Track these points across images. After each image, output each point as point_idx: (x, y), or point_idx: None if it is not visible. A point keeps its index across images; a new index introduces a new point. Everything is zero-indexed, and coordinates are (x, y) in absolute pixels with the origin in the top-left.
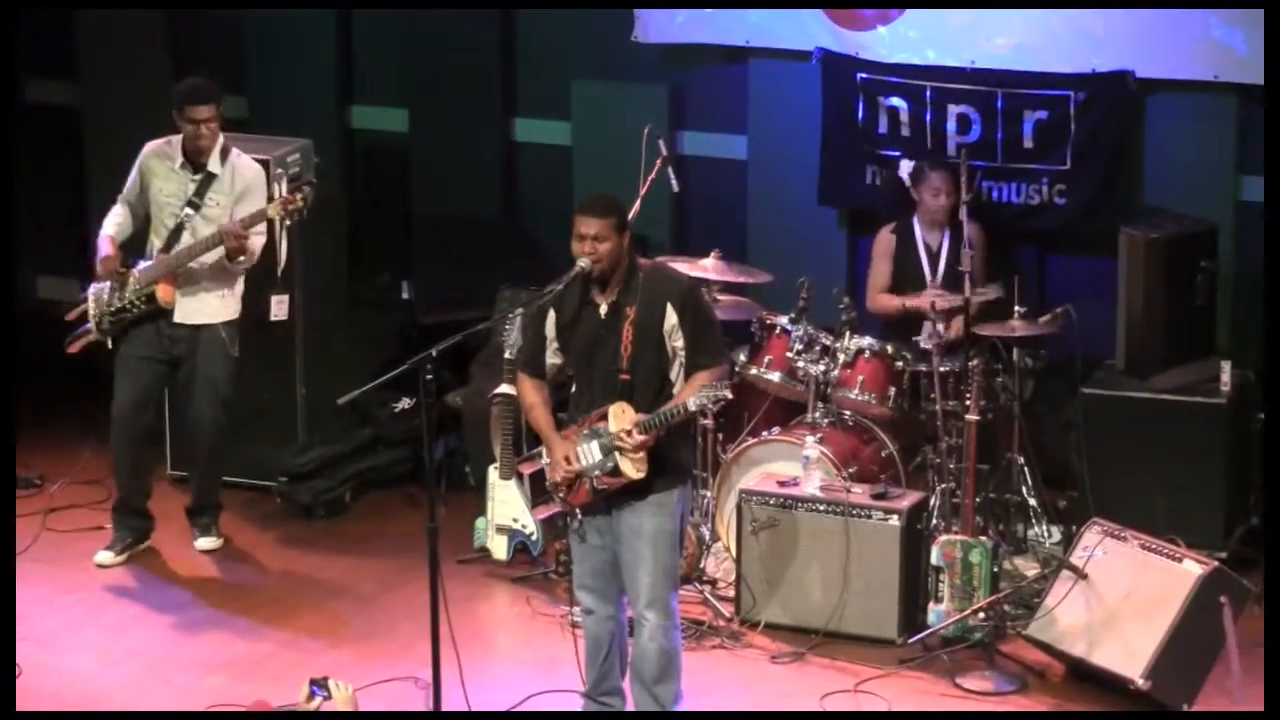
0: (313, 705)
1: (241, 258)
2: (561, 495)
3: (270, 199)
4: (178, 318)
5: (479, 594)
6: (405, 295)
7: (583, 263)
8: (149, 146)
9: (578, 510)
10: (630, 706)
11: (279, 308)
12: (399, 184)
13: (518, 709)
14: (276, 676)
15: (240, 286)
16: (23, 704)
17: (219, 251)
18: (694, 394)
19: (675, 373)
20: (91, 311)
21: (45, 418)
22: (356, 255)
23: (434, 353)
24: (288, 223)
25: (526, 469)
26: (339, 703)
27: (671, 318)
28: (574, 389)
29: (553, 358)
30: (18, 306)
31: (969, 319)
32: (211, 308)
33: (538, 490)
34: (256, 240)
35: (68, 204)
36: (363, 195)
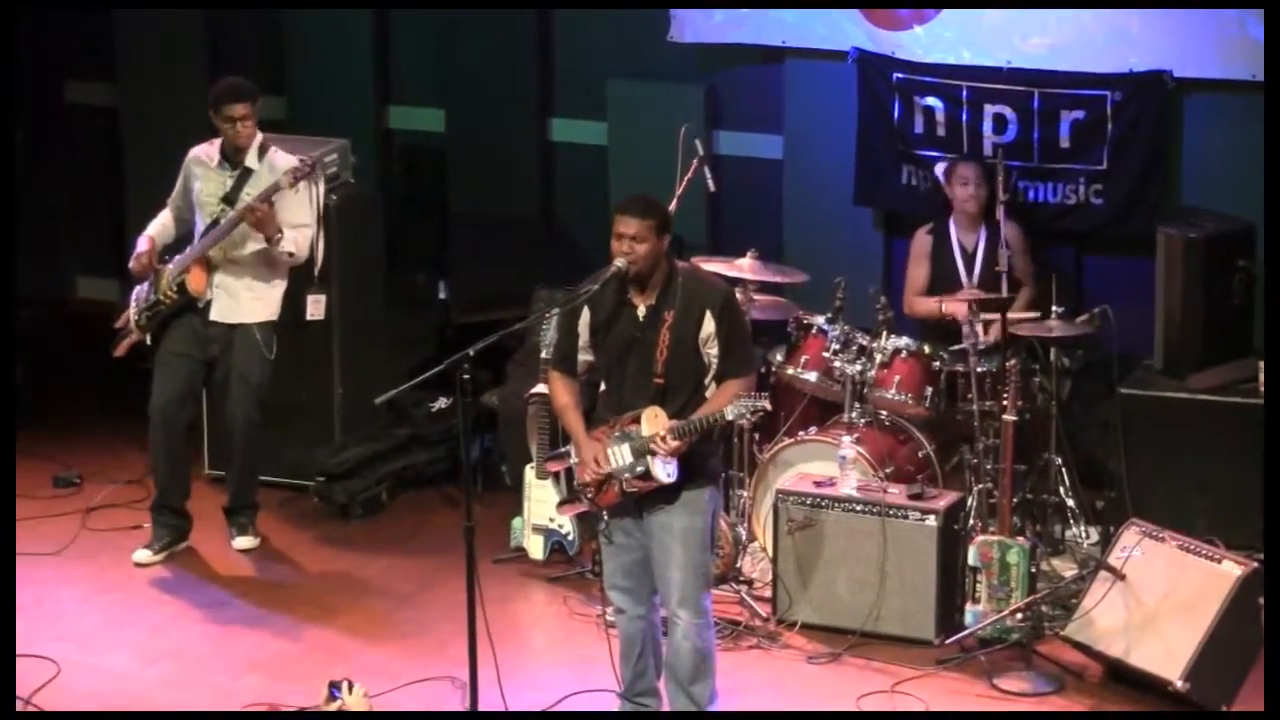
0: (333, 707)
1: (277, 235)
2: (589, 496)
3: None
4: (214, 316)
5: (515, 593)
6: (442, 295)
7: (619, 263)
8: (193, 150)
9: (604, 512)
10: (666, 706)
11: (315, 308)
12: (436, 184)
13: (555, 709)
14: (313, 676)
15: (279, 290)
16: (60, 703)
17: (257, 248)
18: (731, 403)
19: (709, 380)
20: (131, 311)
21: (84, 418)
22: (393, 255)
23: (471, 352)
24: (316, 191)
25: (554, 466)
26: (350, 704)
27: (709, 325)
28: (603, 389)
29: (584, 355)
30: (59, 307)
31: (1006, 319)
32: (248, 308)
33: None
34: (304, 233)
35: (107, 204)
36: (399, 195)
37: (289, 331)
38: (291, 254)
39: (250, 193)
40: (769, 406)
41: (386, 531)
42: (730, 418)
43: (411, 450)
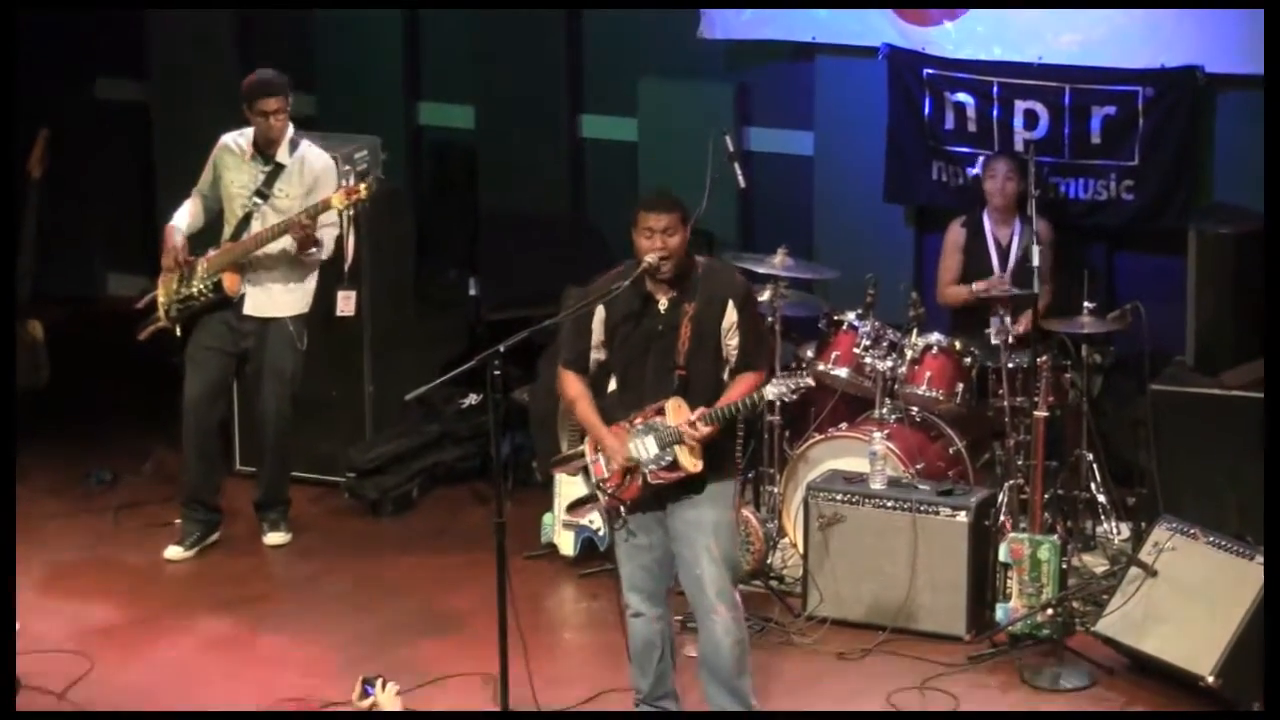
0: (365, 704)
1: (312, 249)
2: (610, 491)
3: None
4: (247, 310)
5: (546, 590)
6: (472, 292)
7: (651, 258)
8: (223, 139)
9: (622, 509)
10: (707, 706)
11: (346, 304)
12: (466, 181)
13: (586, 707)
14: (344, 671)
15: (312, 282)
16: (91, 699)
17: (288, 244)
18: (773, 384)
19: (726, 374)
20: (160, 299)
21: (115, 415)
22: (423, 252)
23: (501, 349)
24: (351, 212)
25: (563, 470)
26: (382, 702)
27: (732, 315)
28: (615, 388)
29: (596, 354)
30: (89, 304)
31: (1037, 315)
32: (281, 301)
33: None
34: (329, 232)
35: (138, 201)
36: (430, 192)
37: (320, 328)
38: (328, 252)
39: (283, 189)
40: (812, 382)
41: (417, 528)
42: (771, 396)
43: (442, 447)
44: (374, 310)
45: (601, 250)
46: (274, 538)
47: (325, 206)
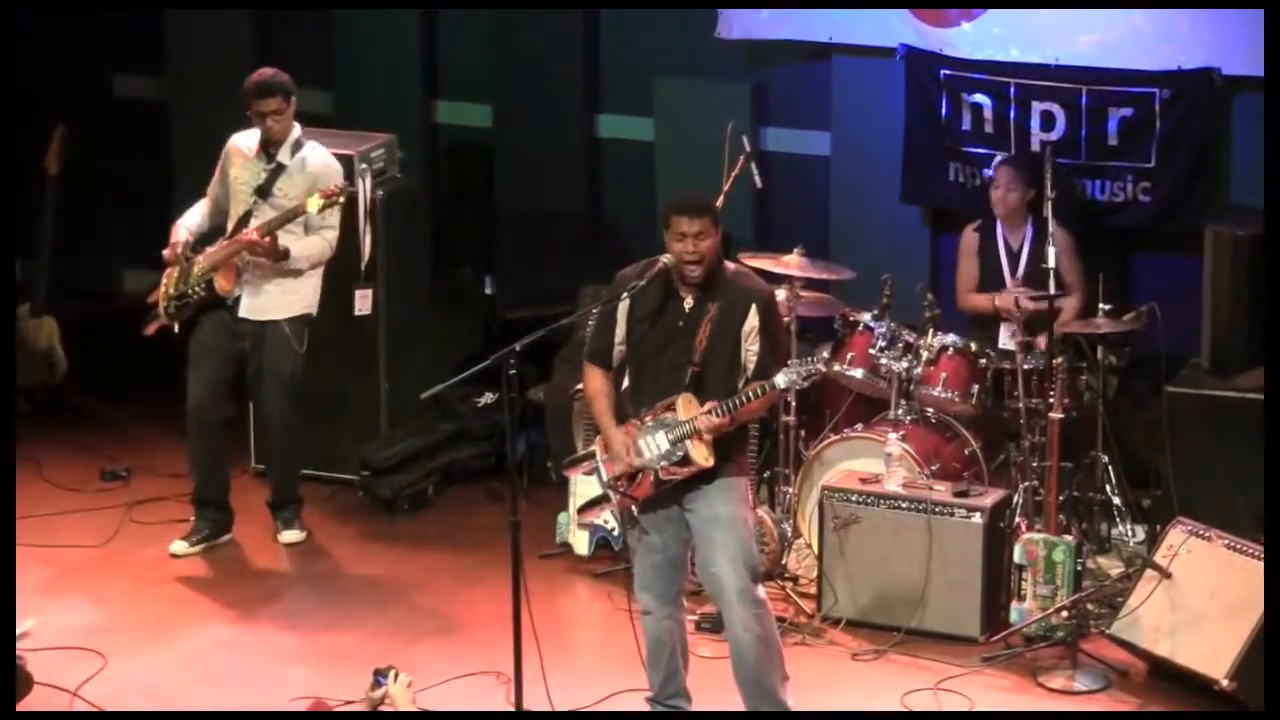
0: (377, 694)
1: (284, 260)
2: (621, 490)
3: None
4: (243, 313)
5: (561, 589)
6: (488, 290)
7: (666, 258)
8: (233, 138)
9: (634, 507)
10: (741, 708)
11: (363, 302)
12: (483, 179)
13: (600, 706)
14: (358, 670)
15: (311, 281)
16: (105, 695)
17: (283, 244)
18: (784, 371)
19: (742, 382)
20: (161, 296)
21: (132, 411)
22: (440, 250)
23: (517, 348)
24: (325, 217)
25: (574, 471)
26: (394, 693)
27: (753, 319)
28: (629, 385)
29: (621, 346)
30: (106, 300)
31: (1052, 318)
32: (276, 304)
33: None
34: (325, 235)
35: (155, 198)
36: (446, 191)
37: (336, 326)
38: (309, 260)
39: (283, 188)
40: (824, 368)
41: (432, 526)
42: (782, 385)
43: (457, 445)
44: (390, 308)
45: (618, 249)
46: (288, 536)
47: (299, 212)
